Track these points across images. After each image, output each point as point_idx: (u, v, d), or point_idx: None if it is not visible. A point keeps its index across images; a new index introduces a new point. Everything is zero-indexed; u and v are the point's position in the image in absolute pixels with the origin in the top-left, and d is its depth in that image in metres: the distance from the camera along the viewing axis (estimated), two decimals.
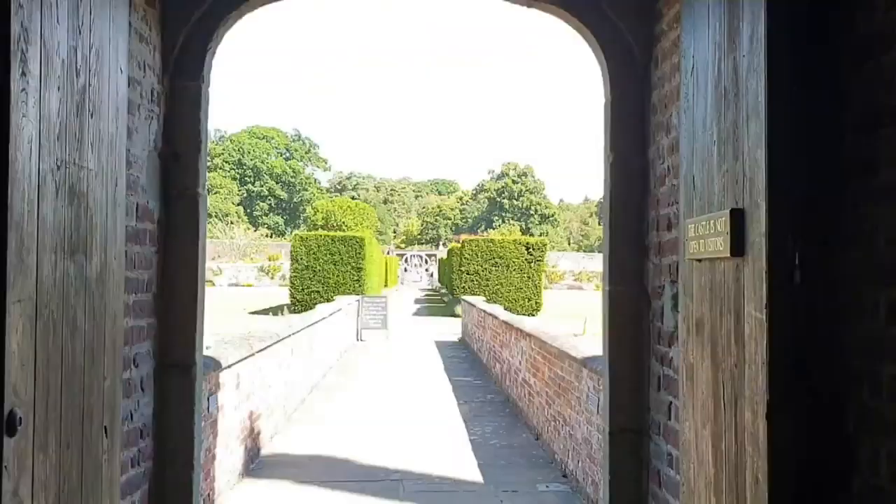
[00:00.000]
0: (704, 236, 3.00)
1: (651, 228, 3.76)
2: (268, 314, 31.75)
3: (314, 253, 34.65)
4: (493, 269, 35.39)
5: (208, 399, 6.82)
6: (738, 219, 2.69)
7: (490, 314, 15.38)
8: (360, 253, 34.74)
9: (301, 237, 36.10)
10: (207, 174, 4.18)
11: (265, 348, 9.31)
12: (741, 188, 2.71)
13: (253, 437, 8.69)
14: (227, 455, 7.48)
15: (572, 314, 41.77)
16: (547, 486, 7.94)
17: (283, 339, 10.40)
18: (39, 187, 2.61)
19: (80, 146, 2.97)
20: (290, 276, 35.86)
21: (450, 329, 29.26)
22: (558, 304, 40.57)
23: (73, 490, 2.82)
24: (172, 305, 3.87)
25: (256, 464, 8.68)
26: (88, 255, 3.03)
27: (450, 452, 9.33)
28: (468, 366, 16.98)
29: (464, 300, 23.12)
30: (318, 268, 34.52)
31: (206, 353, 7.71)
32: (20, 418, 2.39)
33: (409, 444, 9.68)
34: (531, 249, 36.02)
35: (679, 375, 3.43)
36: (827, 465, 2.37)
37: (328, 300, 28.41)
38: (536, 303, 35.49)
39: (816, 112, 2.49)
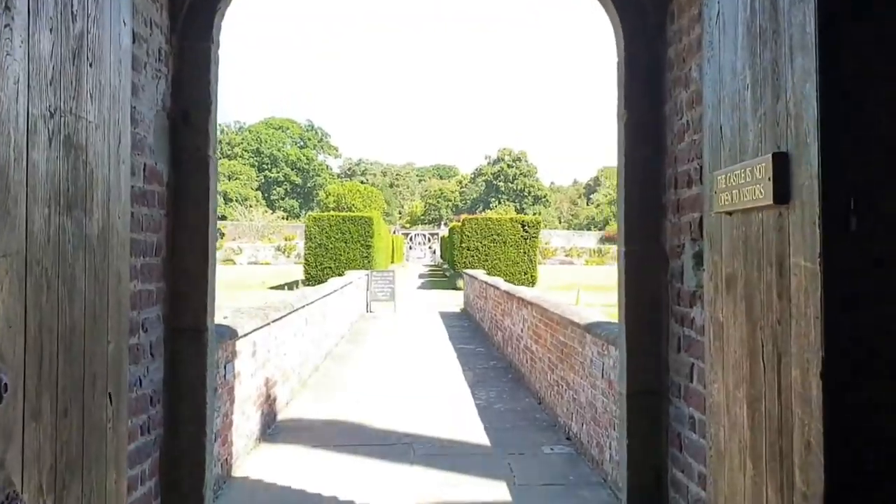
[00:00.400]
0: (738, 186, 2.59)
1: (669, 187, 3.36)
2: (283, 288, 31.37)
3: (326, 232, 34.31)
4: (492, 245, 34.98)
5: (224, 367, 6.45)
6: (781, 163, 2.28)
7: (492, 285, 14.97)
8: (368, 232, 34.38)
9: (314, 217, 35.67)
10: (218, 138, 3.76)
11: (280, 318, 8.93)
12: (784, 130, 2.30)
13: (269, 403, 8.32)
14: (244, 421, 7.12)
15: (565, 286, 41.48)
16: (552, 449, 7.57)
17: (297, 309, 10.01)
18: (28, 133, 2.21)
19: (77, 95, 2.56)
20: (305, 254, 35.51)
21: (452, 301, 28.91)
22: (551, 278, 40.24)
23: (73, 460, 2.43)
24: (182, 269, 3.47)
25: (273, 429, 8.32)
26: (88, 212, 2.62)
27: (457, 416, 8.97)
28: (470, 334, 16.60)
29: (465, 273, 22.71)
30: (331, 245, 34.18)
31: (223, 322, 7.34)
32: (6, 384, 2.00)
33: (417, 409, 9.32)
34: (526, 227, 35.61)
35: (705, 336, 3.05)
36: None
37: (340, 275, 28.11)
38: (532, 276, 35.10)
39: (870, 38, 2.08)
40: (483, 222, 35.92)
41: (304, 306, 10.56)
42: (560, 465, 7.12)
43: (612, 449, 6.19)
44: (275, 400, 8.62)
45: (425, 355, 13.57)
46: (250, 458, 7.21)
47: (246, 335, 7.18)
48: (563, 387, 8.25)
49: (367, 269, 32.47)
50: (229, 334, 6.56)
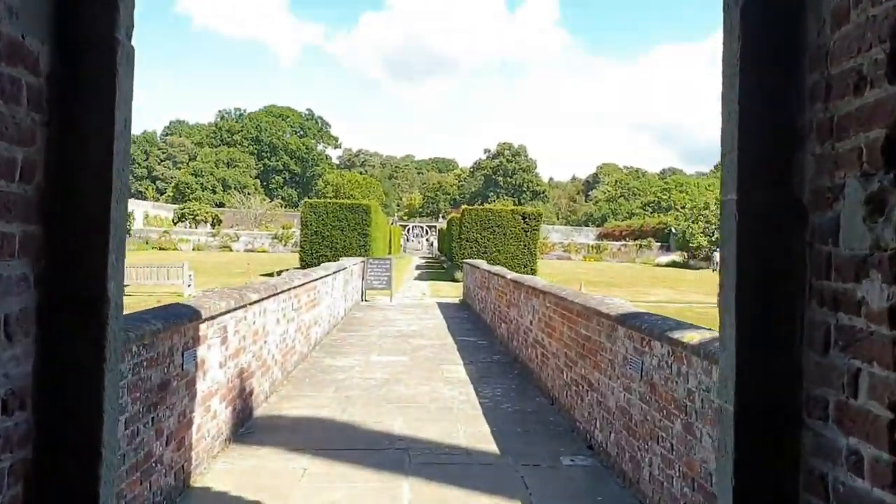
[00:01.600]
0: None
1: (814, 99, 2.16)
2: (274, 276, 30.11)
3: (323, 219, 33.08)
4: (491, 236, 33.75)
5: (183, 355, 5.23)
6: None
7: (496, 274, 13.74)
8: (365, 220, 33.14)
9: (311, 204, 34.34)
10: (134, 20, 2.49)
11: (260, 300, 7.69)
12: None
13: (244, 397, 7.10)
14: (208, 419, 5.89)
15: (566, 279, 40.28)
16: (572, 460, 6.35)
17: (281, 292, 8.77)
18: None
19: None
20: (300, 241, 34.30)
21: (450, 291, 27.69)
22: (551, 272, 39.03)
23: None
24: (71, 208, 2.24)
25: (247, 427, 7.08)
26: None
27: (460, 417, 7.75)
28: (471, 326, 15.36)
29: (466, 263, 21.45)
30: (327, 233, 32.95)
31: (186, 301, 6.10)
32: None
33: (414, 408, 8.10)
34: (527, 219, 34.37)
35: (882, 325, 1.85)
36: None
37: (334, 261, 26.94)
38: (532, 269, 33.83)
39: None
40: (483, 213, 34.66)
41: (290, 288, 9.33)
42: (583, 479, 5.91)
43: (654, 466, 4.97)
44: (251, 394, 7.39)
45: (424, 347, 12.34)
46: (217, 462, 5.98)
47: (213, 318, 5.94)
48: (582, 387, 7.03)
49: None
50: (190, 315, 5.33)
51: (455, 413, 7.91)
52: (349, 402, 8.28)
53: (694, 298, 28.20)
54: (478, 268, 17.42)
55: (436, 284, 32.27)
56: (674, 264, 63.01)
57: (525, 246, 33.93)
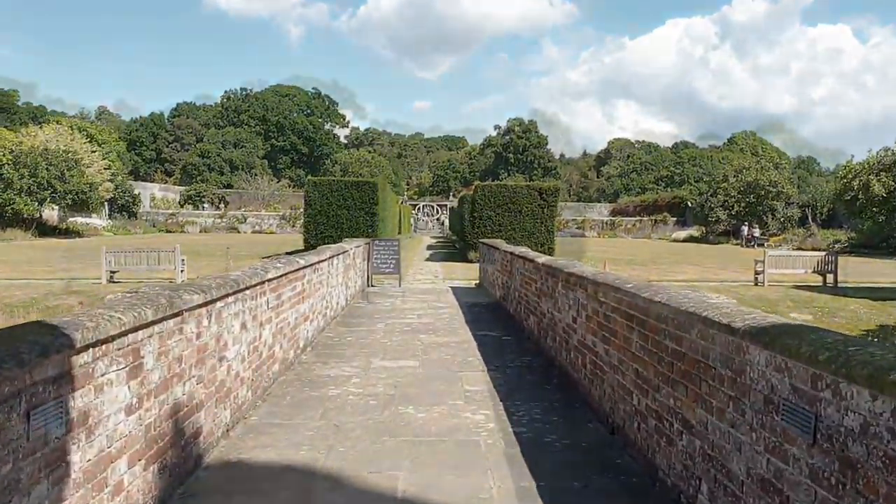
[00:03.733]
0: None
1: None
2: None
3: (327, 198, 30.74)
4: (506, 214, 31.40)
5: (28, 415, 3.00)
6: None
7: (521, 257, 11.43)
8: (373, 198, 30.74)
9: (314, 182, 32.01)
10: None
11: (208, 302, 5.44)
12: None
13: (182, 444, 4.88)
14: (104, 499, 3.67)
15: (585, 257, 37.98)
16: None
17: (245, 288, 6.50)
18: None
19: None
20: (304, 221, 32.02)
21: (464, 273, 25.46)
22: (566, 249, 36.71)
23: None
24: None
25: (187, 487, 4.87)
26: None
27: (490, 459, 5.51)
28: (492, 316, 13.11)
29: (482, 243, 19.13)
30: (332, 213, 30.64)
31: (55, 319, 3.85)
32: None
33: (427, 443, 5.88)
34: (544, 195, 31.96)
35: None
36: None
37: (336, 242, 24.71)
38: (549, 248, 31.58)
39: None
40: (497, 190, 32.25)
41: (261, 283, 7.06)
42: None
43: None
44: (196, 436, 5.18)
45: (438, 346, 10.10)
46: None
47: (107, 341, 3.71)
48: (671, 425, 4.77)
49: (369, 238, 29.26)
50: (47, 346, 3.09)
51: (483, 452, 5.67)
52: (339, 434, 6.07)
53: (726, 276, 25.86)
54: (496, 248, 15.14)
55: (449, 266, 30.03)
56: (691, 239, 60.52)
57: (542, 223, 31.55)
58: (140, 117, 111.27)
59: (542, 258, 10.25)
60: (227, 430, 5.96)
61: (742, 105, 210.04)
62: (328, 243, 26.83)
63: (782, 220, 55.21)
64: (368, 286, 18.47)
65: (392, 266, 18.82)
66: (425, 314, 13.23)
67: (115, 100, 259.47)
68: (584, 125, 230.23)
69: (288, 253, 29.60)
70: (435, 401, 7.19)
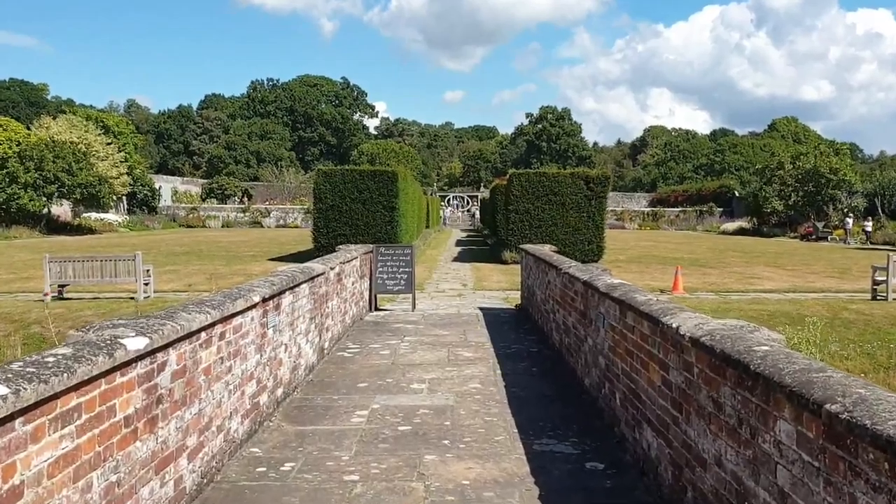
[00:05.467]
0: None
1: None
2: (283, 262, 22.91)
3: (340, 190, 25.39)
4: (546, 207, 26.03)
5: None
6: None
7: (629, 306, 5.85)
8: (392, 190, 25.29)
9: (325, 172, 26.73)
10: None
11: None
12: None
13: None
14: None
15: (638, 254, 32.27)
16: None
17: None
18: None
19: None
20: (314, 217, 26.81)
21: (499, 282, 20.18)
22: (613, 245, 31.18)
23: None
24: None
25: None
26: None
27: None
28: (555, 388, 7.76)
29: (525, 251, 13.70)
30: (345, 207, 25.33)
31: None
32: None
33: None
34: (591, 184, 26.51)
35: None
36: None
37: (354, 242, 19.40)
38: (598, 247, 26.17)
39: None
40: (536, 178, 26.82)
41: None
42: None
43: None
44: None
45: (458, 494, 4.83)
46: None
47: None
48: None
49: (388, 239, 23.96)
50: None
51: None
52: None
53: (823, 283, 20.15)
54: (550, 265, 9.74)
55: (480, 270, 24.70)
56: (742, 231, 54.26)
57: (589, 218, 26.01)
58: (168, 110, 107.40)
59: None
60: None
61: (778, 92, 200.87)
62: (341, 242, 21.48)
63: (845, 210, 48.70)
64: (371, 310, 13.26)
65: (403, 283, 13.53)
66: (441, 383, 7.88)
67: (146, 94, 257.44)
68: (617, 113, 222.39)
69: (289, 255, 24.57)
70: None
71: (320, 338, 8.78)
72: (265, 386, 6.33)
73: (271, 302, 6.44)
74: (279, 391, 6.83)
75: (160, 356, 4.04)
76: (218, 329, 5.04)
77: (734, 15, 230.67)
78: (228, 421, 5.34)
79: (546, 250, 12.19)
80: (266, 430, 6.14)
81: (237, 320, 5.49)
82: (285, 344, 7.03)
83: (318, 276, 8.46)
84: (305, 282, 7.80)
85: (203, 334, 4.77)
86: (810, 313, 14.30)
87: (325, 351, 9.13)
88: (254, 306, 5.88)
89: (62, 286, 17.20)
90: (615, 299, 5.85)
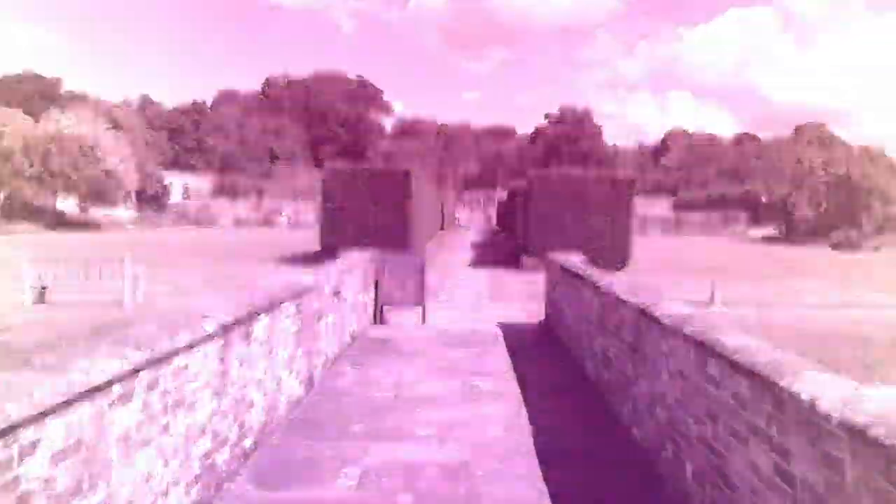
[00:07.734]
0: None
1: None
2: (293, 265, 21.59)
3: (349, 190, 24.07)
4: (569, 210, 24.55)
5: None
6: None
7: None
8: (405, 191, 23.94)
9: (333, 170, 25.46)
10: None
11: None
12: None
13: None
14: None
15: (662, 265, 30.51)
16: None
17: None
18: None
19: None
20: (321, 218, 25.50)
21: (519, 292, 18.70)
22: (639, 254, 29.51)
23: None
24: None
25: None
26: None
27: None
28: (590, 436, 6.35)
29: (551, 263, 12.20)
30: (355, 208, 24.00)
31: None
32: None
33: None
34: (618, 187, 25.03)
35: None
36: None
37: (365, 247, 17.95)
38: (624, 254, 24.67)
39: None
40: (558, 180, 25.43)
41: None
42: None
43: None
44: None
45: None
46: None
47: None
48: None
49: (400, 241, 22.53)
50: None
51: None
52: None
53: (873, 299, 18.48)
54: (583, 281, 8.29)
55: (498, 277, 23.18)
56: (770, 239, 52.37)
57: (615, 223, 24.52)
58: (181, 105, 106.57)
59: (824, 395, 3.49)
60: None
61: (802, 97, 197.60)
62: (349, 245, 20.17)
63: (881, 219, 46.75)
64: (376, 322, 11.85)
65: (412, 293, 12.09)
66: (454, 427, 6.39)
67: (161, 89, 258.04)
68: (636, 116, 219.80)
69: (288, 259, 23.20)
70: None
71: (309, 364, 7.37)
72: (225, 439, 4.91)
73: (238, 329, 5.03)
74: (247, 441, 5.42)
75: (24, 434, 2.63)
76: (145, 377, 3.64)
77: (758, 18, 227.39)
78: (163, 498, 3.94)
79: (576, 260, 10.72)
80: (224, 497, 4.73)
81: (180, 360, 4.09)
82: (259, 380, 5.62)
83: (307, 291, 7.03)
84: (290, 300, 6.38)
85: (118, 387, 3.37)
86: (874, 335, 12.74)
87: (316, 379, 7.72)
88: (208, 338, 4.47)
89: (44, 287, 15.93)
90: (688, 339, 4.39)
